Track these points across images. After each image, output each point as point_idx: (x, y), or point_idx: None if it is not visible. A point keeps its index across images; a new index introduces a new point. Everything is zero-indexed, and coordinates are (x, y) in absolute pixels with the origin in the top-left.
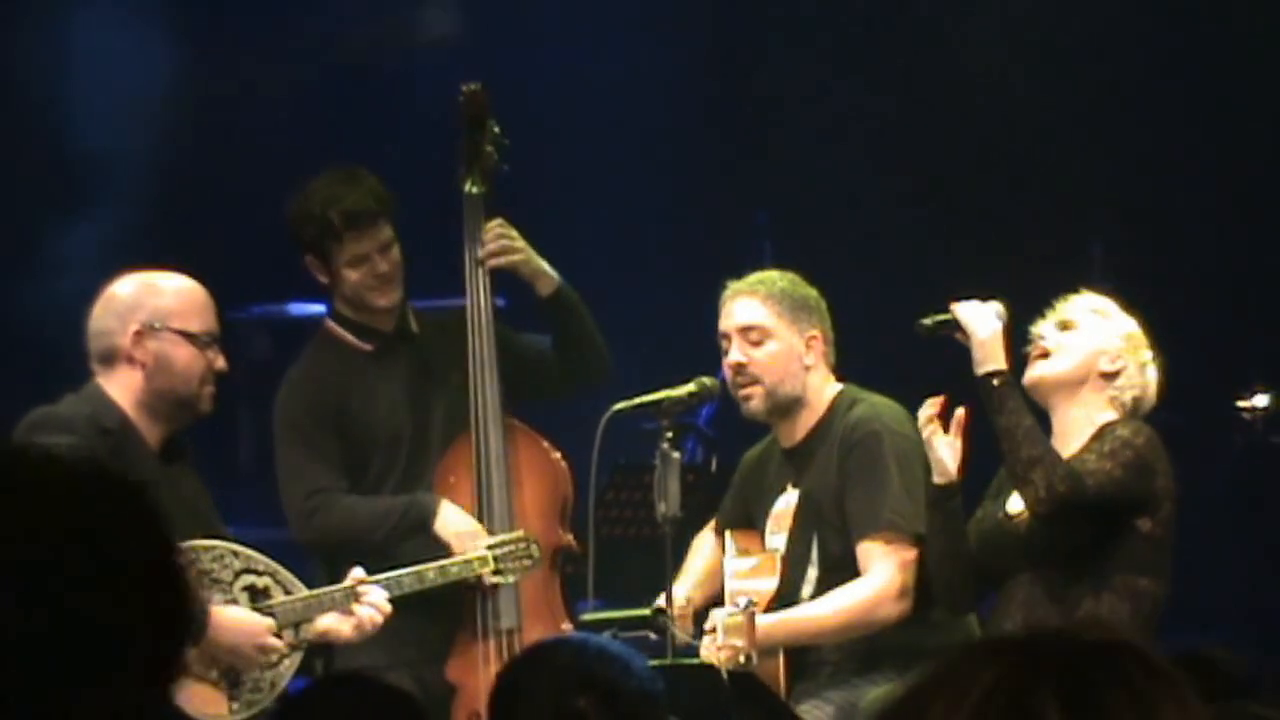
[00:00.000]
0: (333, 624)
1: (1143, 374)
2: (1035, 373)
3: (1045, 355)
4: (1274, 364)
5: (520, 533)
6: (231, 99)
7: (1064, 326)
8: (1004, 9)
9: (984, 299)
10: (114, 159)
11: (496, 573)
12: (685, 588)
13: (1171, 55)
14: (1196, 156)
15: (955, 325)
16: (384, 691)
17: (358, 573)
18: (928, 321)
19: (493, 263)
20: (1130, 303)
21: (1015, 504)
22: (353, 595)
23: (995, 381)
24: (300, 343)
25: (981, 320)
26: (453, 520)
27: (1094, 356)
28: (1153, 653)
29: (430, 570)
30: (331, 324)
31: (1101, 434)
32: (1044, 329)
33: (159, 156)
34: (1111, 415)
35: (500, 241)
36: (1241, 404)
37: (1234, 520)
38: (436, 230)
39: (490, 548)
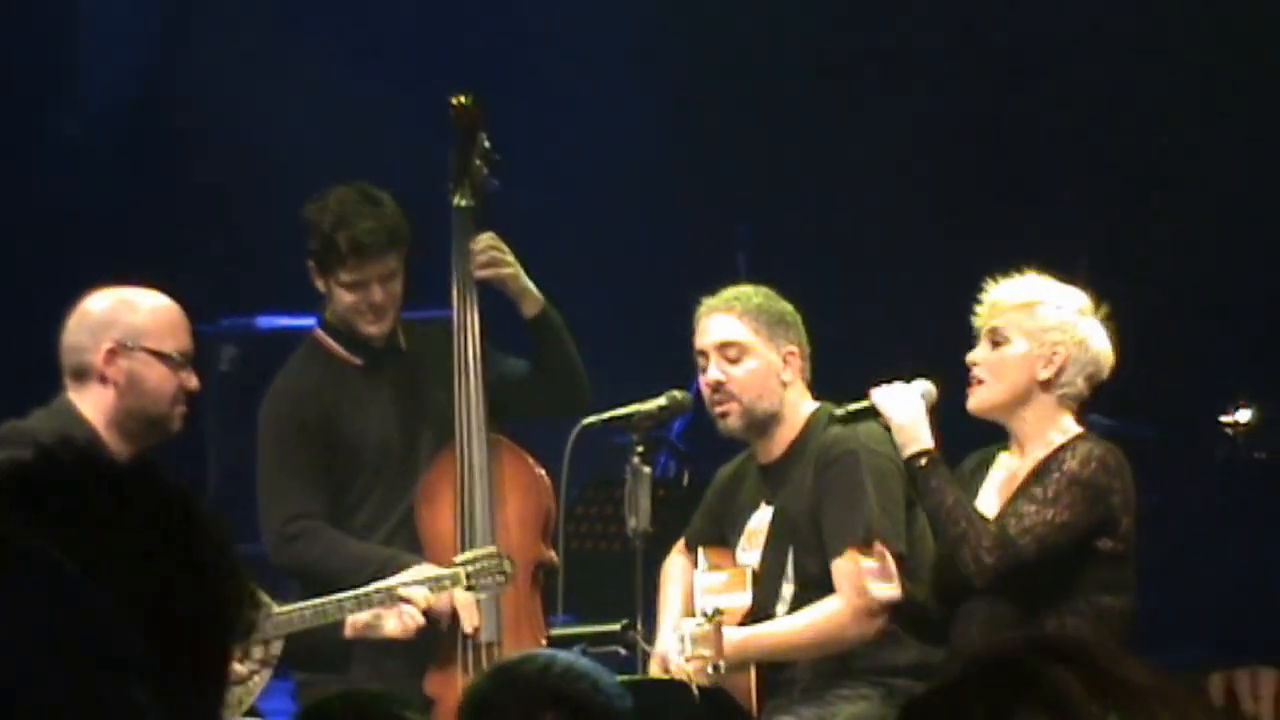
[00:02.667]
0: (370, 619)
1: (1086, 350)
2: (972, 402)
3: (981, 382)
4: (1257, 379)
5: (493, 548)
6: (205, 107)
7: (994, 343)
8: (987, 25)
9: (908, 379)
10: (83, 167)
11: (469, 589)
12: (672, 630)
13: (1158, 70)
14: (1184, 172)
15: (875, 412)
16: None
17: (398, 577)
18: (840, 412)
19: (482, 274)
20: (1115, 316)
21: None
22: (365, 602)
23: (921, 462)
24: (269, 355)
25: (900, 405)
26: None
27: (1028, 368)
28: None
29: (391, 590)
30: (321, 334)
31: (1050, 464)
32: (977, 354)
33: (128, 166)
34: (1067, 420)
35: (490, 254)
36: (1224, 418)
37: (1216, 534)
38: (421, 241)
39: (463, 563)
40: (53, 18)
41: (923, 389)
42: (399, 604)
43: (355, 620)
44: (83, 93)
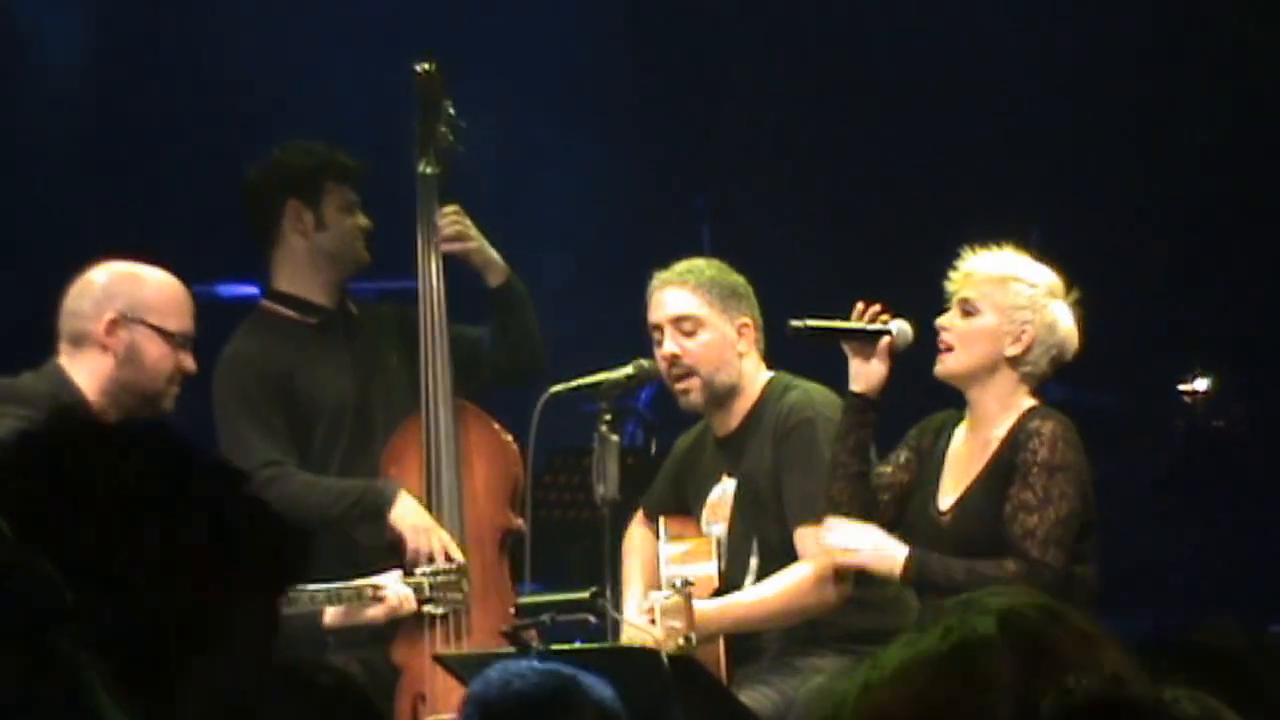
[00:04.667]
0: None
1: (1054, 333)
2: (940, 368)
3: (950, 348)
4: (1214, 348)
5: (457, 564)
6: (162, 77)
7: (965, 312)
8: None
9: (892, 314)
10: (38, 136)
11: (428, 600)
12: (637, 603)
13: (1104, 38)
14: (1135, 140)
15: (835, 333)
16: (325, 684)
17: (374, 579)
18: (799, 324)
19: (446, 248)
20: (1069, 286)
21: (946, 500)
22: (359, 595)
23: (911, 571)
24: (232, 323)
25: (857, 541)
26: (409, 511)
27: (997, 342)
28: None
29: (368, 588)
30: (268, 304)
31: (1015, 453)
32: (947, 319)
33: (85, 134)
34: (1024, 397)
35: (456, 227)
36: (1182, 387)
37: (1176, 503)
38: (387, 208)
39: (425, 575)
40: None
41: (898, 327)
42: (370, 600)
43: (333, 615)
44: (41, 62)
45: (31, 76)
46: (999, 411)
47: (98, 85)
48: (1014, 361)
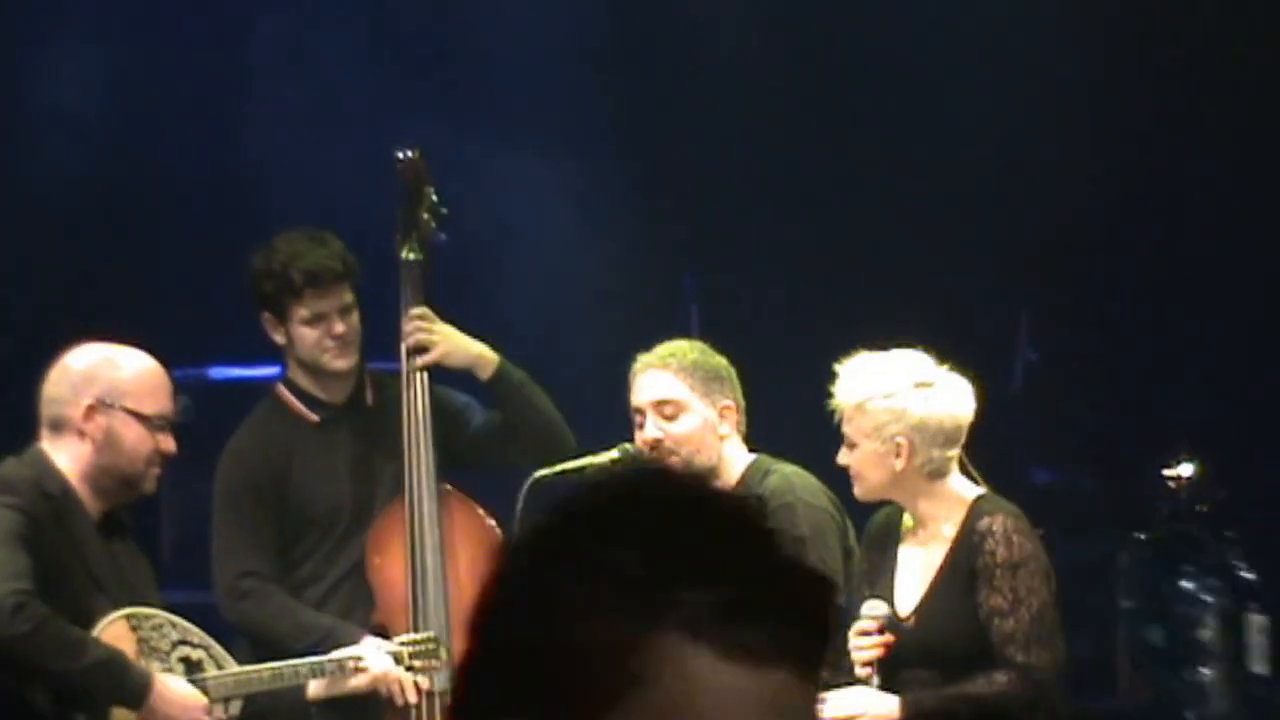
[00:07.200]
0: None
1: (926, 429)
2: (857, 492)
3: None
4: (1199, 433)
5: (430, 633)
6: (156, 157)
7: (849, 447)
8: (936, 80)
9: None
10: (33, 216)
11: (409, 669)
12: None
13: (1098, 124)
14: (1124, 224)
15: None
16: None
17: (353, 650)
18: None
19: (420, 363)
20: (1058, 371)
21: (906, 604)
22: (340, 667)
23: (910, 713)
24: (222, 406)
25: (861, 707)
26: (372, 654)
27: (882, 465)
28: None
29: (349, 659)
30: (283, 389)
31: (971, 556)
32: (841, 456)
33: (79, 216)
34: (951, 487)
35: (416, 337)
36: (1167, 472)
37: (1158, 588)
38: (375, 296)
39: (403, 644)
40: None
41: (876, 610)
42: (353, 671)
43: (316, 688)
44: (36, 143)
45: (41, 159)
46: (938, 508)
47: (90, 172)
48: (908, 470)
